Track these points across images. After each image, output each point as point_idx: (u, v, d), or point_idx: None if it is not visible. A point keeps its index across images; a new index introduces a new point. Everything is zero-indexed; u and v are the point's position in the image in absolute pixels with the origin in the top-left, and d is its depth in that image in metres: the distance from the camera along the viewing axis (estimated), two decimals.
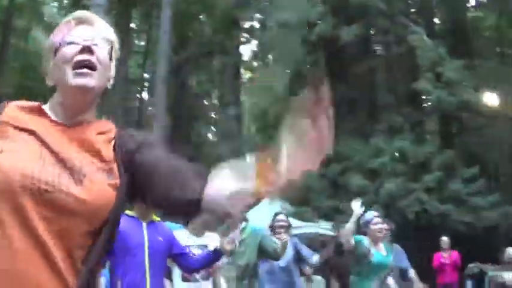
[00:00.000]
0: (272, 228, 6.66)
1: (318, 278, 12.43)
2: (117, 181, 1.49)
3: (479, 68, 17.89)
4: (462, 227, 15.53)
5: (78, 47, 1.53)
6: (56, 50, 1.56)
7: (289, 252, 6.58)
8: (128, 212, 4.10)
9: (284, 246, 6.20)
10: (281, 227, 6.63)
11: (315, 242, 17.43)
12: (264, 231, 6.48)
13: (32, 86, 26.49)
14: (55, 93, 1.58)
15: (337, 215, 15.58)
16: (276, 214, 7.02)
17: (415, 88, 17.81)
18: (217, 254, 4.45)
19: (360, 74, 19.47)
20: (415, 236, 14.08)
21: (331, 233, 14.34)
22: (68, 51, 1.53)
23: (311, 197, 17.28)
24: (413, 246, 11.51)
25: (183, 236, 4.89)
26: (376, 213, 6.21)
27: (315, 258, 6.70)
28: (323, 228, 14.97)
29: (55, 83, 1.57)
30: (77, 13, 1.64)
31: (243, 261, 6.01)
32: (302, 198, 16.81)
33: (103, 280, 4.92)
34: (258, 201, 1.51)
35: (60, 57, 1.54)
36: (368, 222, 5.96)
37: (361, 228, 6.05)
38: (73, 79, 1.50)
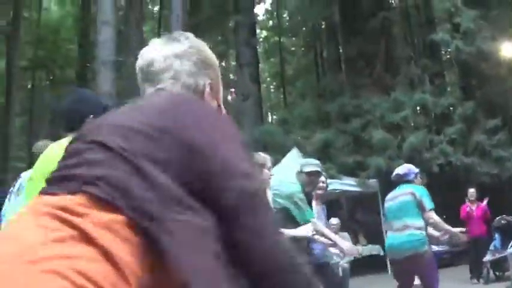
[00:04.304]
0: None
1: (345, 234, 12.43)
2: None
3: (496, 18, 17.39)
4: (487, 179, 15.33)
5: None
6: None
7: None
8: None
9: None
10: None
11: (341, 198, 17.52)
12: None
13: (45, 57, 26.43)
14: None
15: (360, 170, 15.55)
16: None
17: (432, 39, 17.51)
18: None
19: (376, 27, 19.08)
20: (440, 189, 13.94)
21: (356, 189, 14.29)
22: None
23: (333, 153, 16.97)
24: (439, 200, 11.41)
25: None
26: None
27: None
28: (347, 184, 14.91)
29: None
30: None
31: None
32: (323, 155, 16.69)
33: None
34: None
35: None
36: None
37: None
38: None
